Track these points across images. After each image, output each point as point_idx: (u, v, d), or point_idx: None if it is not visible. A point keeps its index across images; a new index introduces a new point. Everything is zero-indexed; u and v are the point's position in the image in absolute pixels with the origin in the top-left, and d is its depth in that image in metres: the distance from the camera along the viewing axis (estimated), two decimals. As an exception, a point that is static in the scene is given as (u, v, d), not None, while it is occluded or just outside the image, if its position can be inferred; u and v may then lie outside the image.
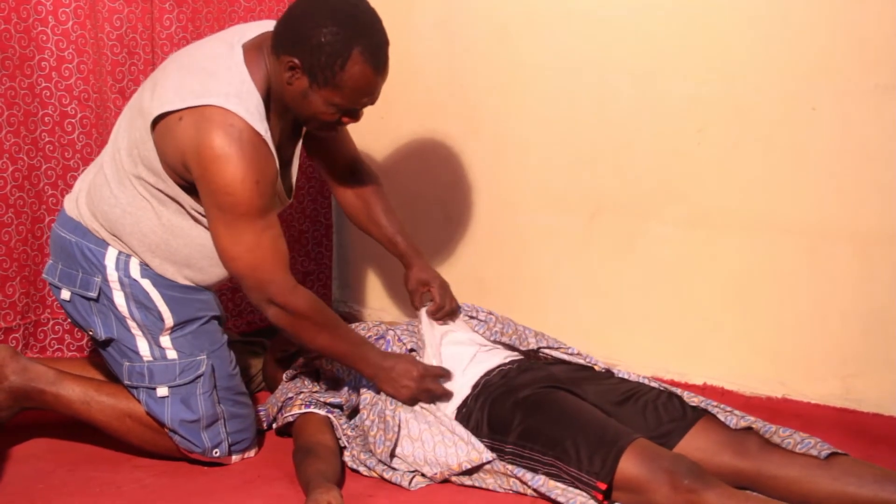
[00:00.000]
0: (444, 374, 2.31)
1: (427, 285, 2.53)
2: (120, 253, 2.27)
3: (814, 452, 2.02)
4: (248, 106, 2.11)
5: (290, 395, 2.43)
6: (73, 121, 2.59)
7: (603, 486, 2.01)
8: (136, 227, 2.24)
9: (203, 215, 2.21)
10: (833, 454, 2.02)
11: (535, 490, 2.10)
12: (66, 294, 2.30)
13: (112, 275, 2.26)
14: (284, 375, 2.55)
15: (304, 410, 2.36)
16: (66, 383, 2.31)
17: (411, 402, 2.27)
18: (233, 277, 2.26)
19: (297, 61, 2.11)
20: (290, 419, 2.38)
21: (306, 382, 2.48)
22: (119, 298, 2.26)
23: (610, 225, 2.85)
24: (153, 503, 2.15)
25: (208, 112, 2.09)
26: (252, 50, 2.17)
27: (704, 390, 2.69)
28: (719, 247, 2.70)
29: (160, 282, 2.27)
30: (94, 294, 2.26)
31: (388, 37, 2.17)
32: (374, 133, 3.20)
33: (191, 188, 2.18)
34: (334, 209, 3.27)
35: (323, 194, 3.22)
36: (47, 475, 2.27)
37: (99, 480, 2.24)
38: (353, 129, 3.32)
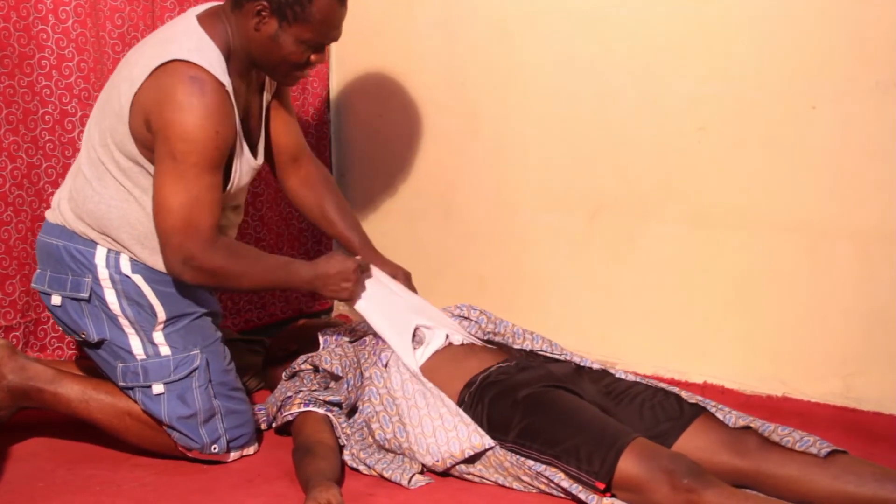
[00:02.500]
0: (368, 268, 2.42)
1: (394, 278, 2.51)
2: (109, 250, 2.27)
3: (813, 451, 2.01)
4: (211, 59, 2.15)
5: (288, 394, 2.43)
6: (73, 119, 2.59)
7: (602, 486, 2.01)
8: (124, 219, 2.24)
9: None
10: (832, 452, 2.02)
11: (538, 473, 2.09)
12: (56, 300, 2.29)
13: (103, 273, 2.26)
14: (283, 374, 2.55)
15: (303, 409, 2.36)
16: (65, 382, 2.31)
17: (352, 298, 2.33)
18: (159, 235, 2.18)
19: (264, 3, 2.16)
20: (290, 418, 2.37)
21: (305, 381, 2.48)
22: (111, 296, 2.26)
23: (610, 224, 2.84)
24: (153, 502, 2.15)
25: (170, 67, 2.12)
26: (206, 17, 2.23)
27: (704, 389, 2.69)
28: (719, 246, 2.69)
29: (151, 276, 2.27)
30: (85, 294, 2.26)
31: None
32: (374, 132, 3.20)
33: None
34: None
35: (323, 193, 3.21)
36: (47, 474, 2.27)
37: (99, 479, 2.24)
38: (351, 127, 3.33)
